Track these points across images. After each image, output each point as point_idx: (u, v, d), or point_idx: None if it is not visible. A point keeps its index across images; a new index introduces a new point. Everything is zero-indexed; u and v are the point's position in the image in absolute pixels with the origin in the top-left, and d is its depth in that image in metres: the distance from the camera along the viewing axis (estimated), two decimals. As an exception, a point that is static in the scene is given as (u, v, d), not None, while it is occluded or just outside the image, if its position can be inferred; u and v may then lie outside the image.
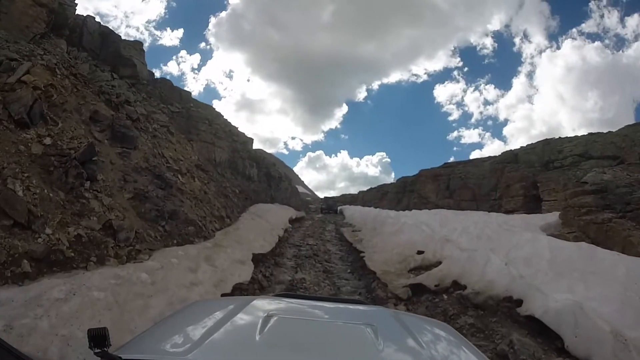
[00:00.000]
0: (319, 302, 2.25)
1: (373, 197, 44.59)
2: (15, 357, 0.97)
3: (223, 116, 20.86)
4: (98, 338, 1.17)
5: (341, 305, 2.29)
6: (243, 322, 1.61)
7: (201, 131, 17.49)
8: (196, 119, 17.73)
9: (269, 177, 23.80)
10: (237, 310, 1.70)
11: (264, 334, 1.42)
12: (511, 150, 26.77)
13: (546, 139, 25.40)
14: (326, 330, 1.68)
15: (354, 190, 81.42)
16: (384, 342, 1.47)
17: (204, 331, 1.43)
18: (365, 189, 53.10)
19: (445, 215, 18.10)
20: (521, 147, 26.92)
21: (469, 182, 25.26)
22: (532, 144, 25.74)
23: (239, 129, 22.71)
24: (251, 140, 25.05)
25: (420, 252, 11.03)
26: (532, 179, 21.05)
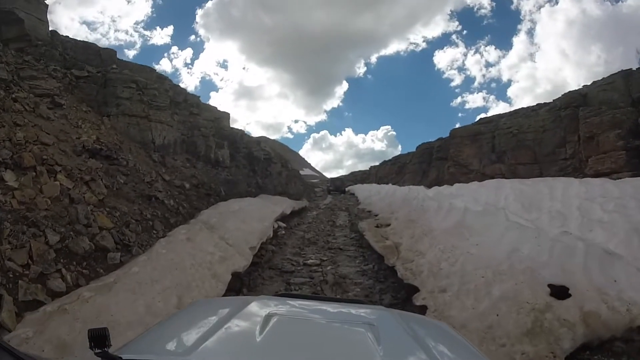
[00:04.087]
0: (320, 302, 2.19)
1: (388, 172, 38.13)
2: (15, 357, 0.93)
3: (170, 80, 14.37)
4: (98, 338, 1.11)
5: (342, 306, 2.16)
6: (243, 322, 1.56)
7: (123, 100, 11.12)
8: (115, 83, 11.35)
9: (252, 159, 17.43)
10: (237, 311, 1.64)
11: (264, 335, 1.38)
12: (574, 90, 19.83)
13: (622, 70, 18.49)
14: (327, 331, 1.63)
15: (362, 167, 75.17)
16: (385, 342, 1.43)
17: (204, 331, 1.38)
18: (374, 164, 47.16)
19: (520, 189, 11.62)
20: (584, 85, 20.03)
21: (524, 138, 18.53)
22: (605, 77, 18.82)
23: (200, 99, 16.23)
24: (227, 115, 18.65)
25: (559, 293, 4.69)
26: (630, 123, 14.35)
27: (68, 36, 13.98)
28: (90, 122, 9.63)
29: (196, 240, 6.53)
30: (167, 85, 13.57)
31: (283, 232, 11.81)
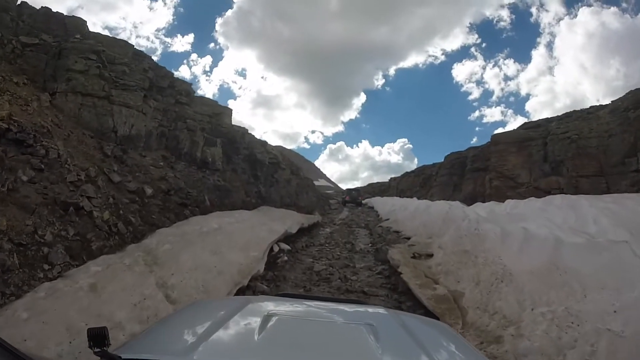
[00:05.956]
0: (319, 302, 2.13)
1: (411, 185, 34.73)
2: (15, 357, 0.91)
3: (151, 59, 11.53)
4: (98, 337, 1.12)
5: (341, 305, 2.13)
6: (243, 322, 1.52)
7: (75, 74, 8.37)
8: (68, 52, 8.64)
9: (254, 163, 14.51)
10: (237, 310, 1.60)
11: (263, 334, 1.35)
12: (643, 87, 16.42)
13: None
14: (326, 330, 1.58)
15: (378, 179, 71.99)
16: (383, 341, 1.39)
17: (203, 331, 1.35)
18: (390, 176, 44.15)
19: (609, 210, 8.43)
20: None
21: (586, 145, 15.18)
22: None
23: (190, 85, 13.45)
24: (228, 110, 15.79)
25: None
26: None
27: (37, 8, 11.53)
28: (15, 97, 6.85)
29: (106, 290, 3.53)
30: (145, 64, 10.75)
31: (285, 258, 8.77)
